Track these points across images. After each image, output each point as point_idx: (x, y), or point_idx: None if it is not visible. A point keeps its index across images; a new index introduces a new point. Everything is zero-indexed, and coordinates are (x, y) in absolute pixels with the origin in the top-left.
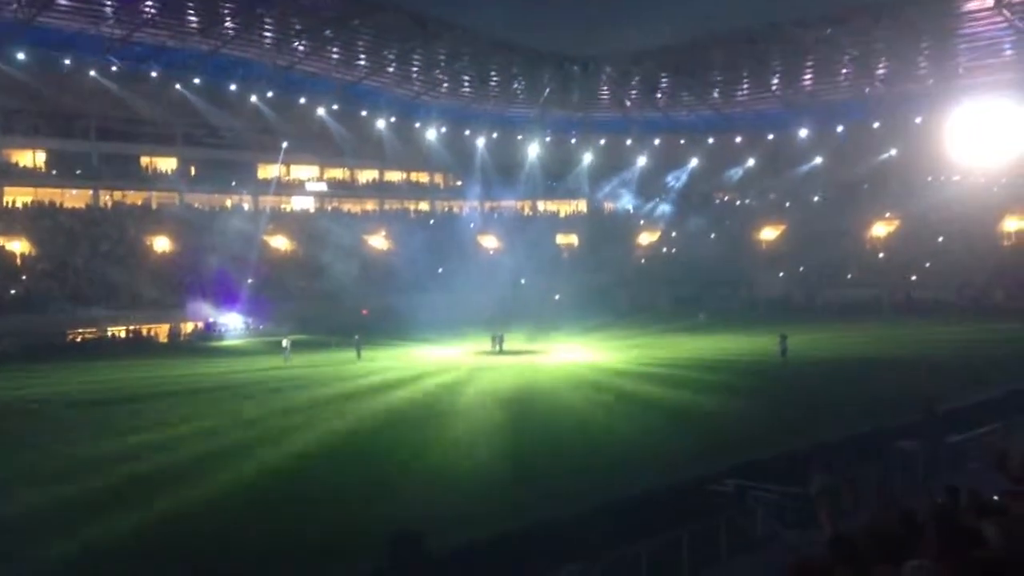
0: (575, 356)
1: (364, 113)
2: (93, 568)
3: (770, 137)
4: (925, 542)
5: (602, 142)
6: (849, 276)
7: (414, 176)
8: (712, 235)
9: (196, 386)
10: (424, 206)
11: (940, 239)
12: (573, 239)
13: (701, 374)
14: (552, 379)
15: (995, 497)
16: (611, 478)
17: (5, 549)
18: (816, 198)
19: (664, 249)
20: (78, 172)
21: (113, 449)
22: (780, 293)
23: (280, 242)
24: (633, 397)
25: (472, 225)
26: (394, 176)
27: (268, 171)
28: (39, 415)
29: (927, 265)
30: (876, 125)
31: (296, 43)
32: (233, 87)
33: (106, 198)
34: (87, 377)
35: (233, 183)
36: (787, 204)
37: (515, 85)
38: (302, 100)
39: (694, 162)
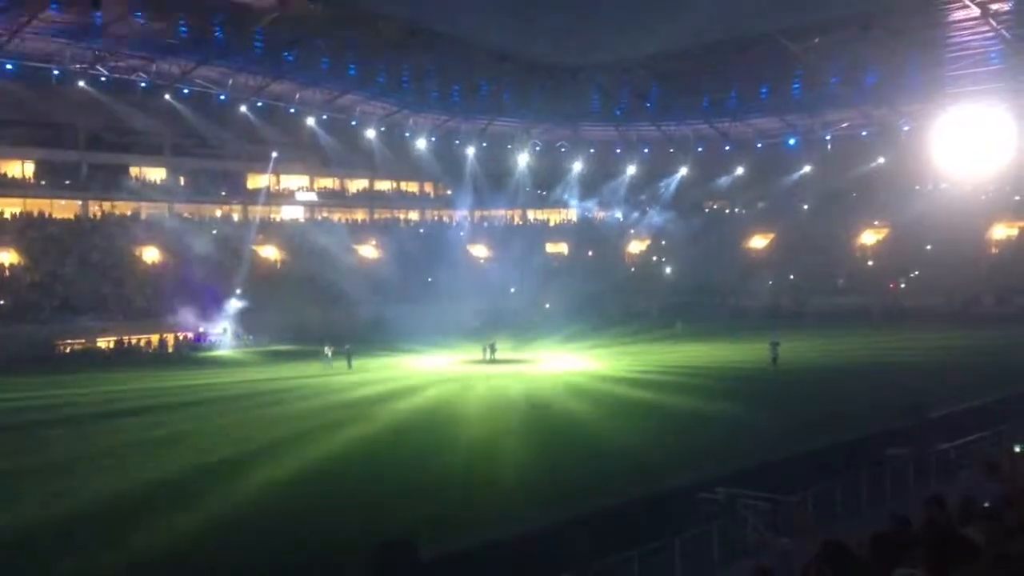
0: (565, 365)
1: (354, 123)
2: None
3: (759, 146)
4: (917, 551)
5: (592, 151)
6: (840, 283)
7: (404, 185)
8: (701, 243)
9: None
10: (414, 215)
11: (928, 247)
12: (563, 248)
13: (693, 382)
14: (549, 387)
15: (986, 504)
16: (603, 486)
17: None
18: (805, 206)
19: (654, 257)
20: (67, 182)
21: None
22: (769, 301)
23: (270, 252)
24: (627, 405)
25: (462, 234)
26: (384, 185)
27: (258, 181)
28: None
29: (916, 273)
30: (864, 134)
31: (286, 52)
32: (222, 97)
33: (95, 208)
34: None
35: (223, 193)
36: (776, 212)
37: (505, 94)
38: (291, 110)
39: (684, 171)
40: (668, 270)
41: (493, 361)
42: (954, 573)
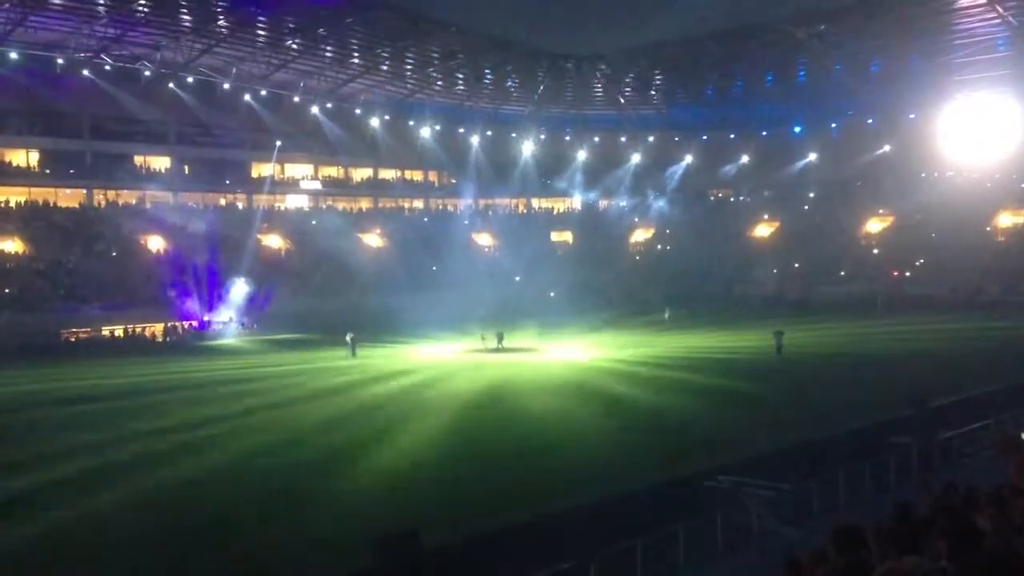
0: (569, 354)
1: (358, 111)
2: None
3: (764, 134)
4: (935, 541)
5: (596, 139)
6: (843, 273)
7: (408, 174)
8: (706, 232)
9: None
10: (418, 204)
11: (934, 235)
12: (568, 236)
13: (697, 372)
14: (554, 377)
15: (990, 492)
16: (607, 476)
17: None
18: (810, 195)
19: (658, 246)
20: (71, 171)
21: None
22: (774, 289)
23: (274, 241)
24: (631, 394)
25: (466, 223)
26: (388, 174)
27: (262, 170)
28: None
29: (921, 261)
30: (869, 122)
31: (289, 41)
32: (226, 86)
33: (100, 197)
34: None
35: (227, 182)
36: (781, 200)
37: (509, 83)
38: (296, 99)
39: (688, 159)
40: (672, 258)
41: (500, 349)
42: (965, 559)
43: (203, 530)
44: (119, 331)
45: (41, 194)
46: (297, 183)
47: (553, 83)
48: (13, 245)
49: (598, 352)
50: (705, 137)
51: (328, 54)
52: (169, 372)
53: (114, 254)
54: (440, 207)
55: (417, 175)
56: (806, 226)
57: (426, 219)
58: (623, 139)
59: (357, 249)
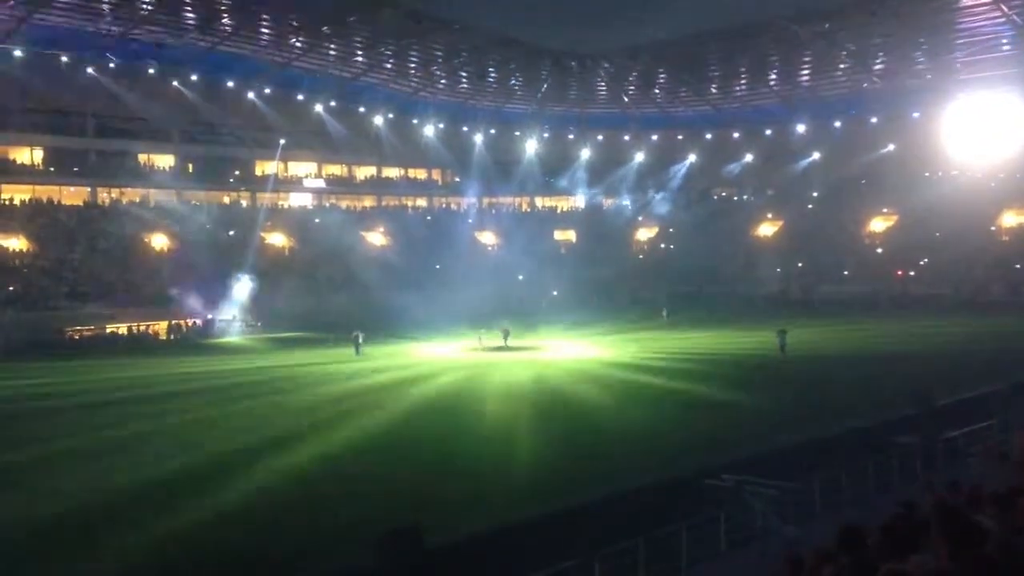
0: (573, 351)
1: (362, 109)
2: None
3: (768, 133)
4: (934, 540)
5: (600, 138)
6: (846, 272)
7: (412, 172)
8: (709, 231)
9: None
10: (422, 202)
11: (938, 234)
12: (571, 235)
13: (700, 370)
14: (557, 373)
15: (994, 491)
16: (610, 473)
17: None
18: (814, 193)
19: (662, 245)
20: (75, 169)
21: None
22: (777, 289)
23: (278, 239)
24: (635, 391)
25: (470, 221)
26: (392, 172)
27: (266, 168)
28: None
29: (924, 260)
30: (874, 120)
31: (293, 39)
32: (230, 84)
33: (104, 195)
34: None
35: (231, 180)
36: (785, 199)
37: (513, 81)
38: (300, 97)
39: (692, 158)
40: (676, 257)
41: (504, 348)
42: (967, 559)
43: (204, 529)
44: (123, 329)
45: (45, 192)
46: (301, 181)
47: (556, 82)
48: (17, 243)
49: (600, 350)
50: (708, 136)
51: (332, 52)
52: (172, 370)
53: (118, 252)
54: (444, 205)
55: (421, 173)
56: (809, 225)
57: (429, 217)
58: (626, 138)
59: (360, 247)
